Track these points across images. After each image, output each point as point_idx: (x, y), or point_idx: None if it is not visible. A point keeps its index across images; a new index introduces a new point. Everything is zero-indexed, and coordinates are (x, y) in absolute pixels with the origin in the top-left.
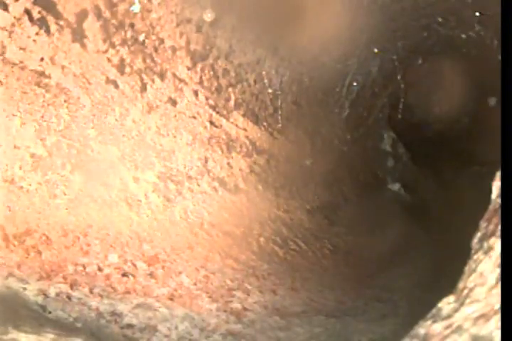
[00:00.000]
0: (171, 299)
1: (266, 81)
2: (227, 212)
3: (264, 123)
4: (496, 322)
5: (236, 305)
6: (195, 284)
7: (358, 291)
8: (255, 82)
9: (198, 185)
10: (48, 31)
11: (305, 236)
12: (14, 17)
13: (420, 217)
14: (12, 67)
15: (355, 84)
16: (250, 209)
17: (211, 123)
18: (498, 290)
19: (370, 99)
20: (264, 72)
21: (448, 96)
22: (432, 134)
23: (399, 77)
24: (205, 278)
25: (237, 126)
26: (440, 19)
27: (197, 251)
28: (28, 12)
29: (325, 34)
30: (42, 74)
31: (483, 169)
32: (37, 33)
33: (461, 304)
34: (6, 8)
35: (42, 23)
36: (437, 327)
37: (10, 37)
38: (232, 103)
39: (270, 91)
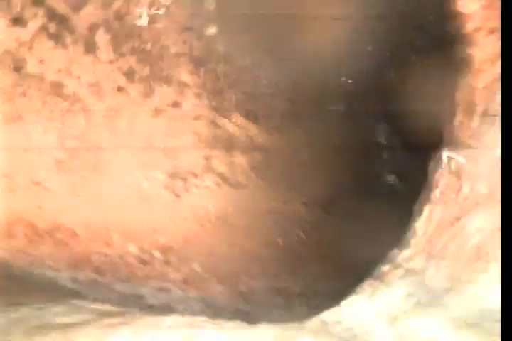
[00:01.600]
0: (185, 283)
1: (265, 82)
2: (231, 205)
3: (263, 122)
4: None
5: (243, 288)
6: (205, 270)
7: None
8: (255, 83)
9: (203, 181)
10: (63, 44)
11: (303, 226)
12: (32, 33)
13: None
14: (33, 79)
15: (350, 81)
16: (251, 203)
17: (212, 123)
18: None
19: (365, 95)
20: (262, 74)
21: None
22: (426, 126)
23: (392, 74)
24: (214, 264)
25: (237, 125)
26: (432, 17)
27: (205, 241)
28: (44, 28)
29: (320, 33)
30: (59, 84)
31: None
32: (54, 47)
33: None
34: (25, 25)
35: (58, 38)
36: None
37: (30, 51)
38: (232, 104)
39: (269, 91)
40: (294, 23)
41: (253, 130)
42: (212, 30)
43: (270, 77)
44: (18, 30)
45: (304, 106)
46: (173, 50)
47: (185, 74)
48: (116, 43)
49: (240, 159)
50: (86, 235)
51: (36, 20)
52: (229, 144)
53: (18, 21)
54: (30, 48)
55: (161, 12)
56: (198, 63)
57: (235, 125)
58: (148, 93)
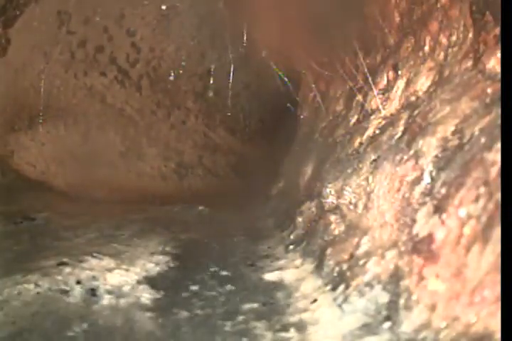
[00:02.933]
0: None
1: (241, 108)
2: (210, 186)
3: (239, 135)
4: None
5: None
6: None
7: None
8: (234, 108)
9: (196, 171)
10: (124, 86)
11: None
12: (109, 79)
13: None
14: (109, 106)
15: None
16: (222, 186)
17: (205, 134)
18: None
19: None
20: (240, 102)
21: None
22: None
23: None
24: None
25: (221, 137)
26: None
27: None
28: (115, 77)
29: None
30: (123, 109)
31: None
32: (119, 87)
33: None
34: (105, 74)
35: (121, 82)
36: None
37: (108, 91)
38: (218, 123)
39: (244, 114)
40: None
41: (231, 140)
42: (208, 75)
43: (246, 105)
44: (103, 79)
45: (271, 125)
46: (183, 88)
47: (189, 103)
48: (152, 85)
49: (221, 159)
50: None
51: (111, 73)
52: (214, 149)
53: (102, 74)
54: (108, 89)
55: (181, 71)
56: (197, 96)
57: (219, 136)
58: (168, 115)
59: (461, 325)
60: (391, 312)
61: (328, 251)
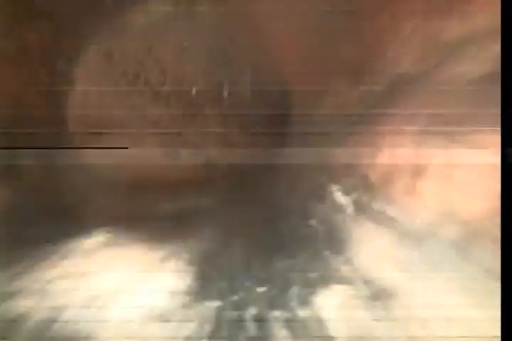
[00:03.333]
0: None
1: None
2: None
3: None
4: None
5: None
6: None
7: None
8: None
9: None
10: (157, 103)
11: None
12: (146, 99)
13: None
14: (147, 120)
15: None
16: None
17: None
18: None
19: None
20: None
21: None
22: None
23: None
24: None
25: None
26: None
27: None
28: (150, 96)
29: None
30: (157, 122)
31: None
32: (153, 105)
33: None
34: (143, 95)
35: (154, 100)
36: None
37: (145, 107)
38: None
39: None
40: None
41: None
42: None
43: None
44: (141, 99)
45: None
46: (202, 100)
47: (208, 112)
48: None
49: None
50: None
51: (147, 93)
52: None
53: (140, 94)
54: (145, 107)
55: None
56: (214, 106)
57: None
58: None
59: None
60: None
61: None
